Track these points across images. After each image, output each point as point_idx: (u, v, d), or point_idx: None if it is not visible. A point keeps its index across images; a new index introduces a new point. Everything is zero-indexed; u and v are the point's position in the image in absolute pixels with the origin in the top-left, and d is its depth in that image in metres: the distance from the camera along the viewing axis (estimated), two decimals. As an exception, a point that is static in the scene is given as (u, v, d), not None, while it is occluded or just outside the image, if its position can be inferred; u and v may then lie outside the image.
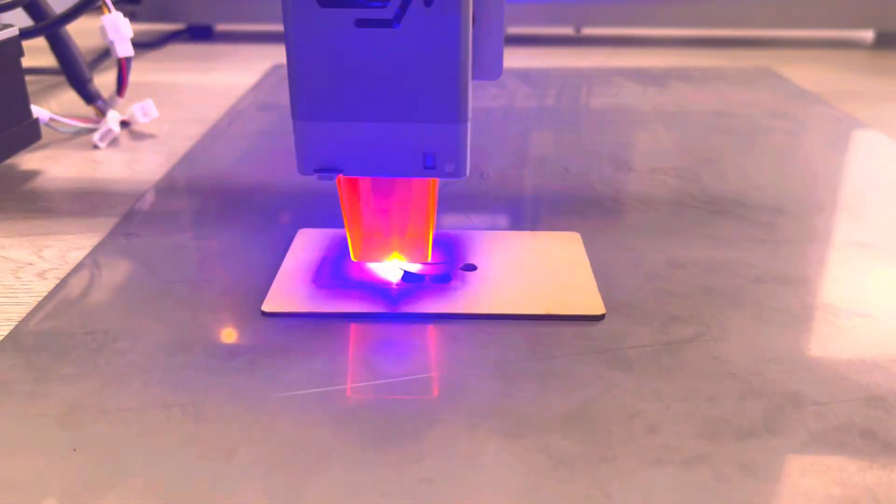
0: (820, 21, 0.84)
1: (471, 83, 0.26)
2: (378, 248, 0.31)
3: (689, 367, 0.26)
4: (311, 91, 0.26)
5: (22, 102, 0.43)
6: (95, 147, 0.50)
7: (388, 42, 0.25)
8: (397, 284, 0.30)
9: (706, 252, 0.34)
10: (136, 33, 0.52)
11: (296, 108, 0.26)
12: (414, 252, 0.30)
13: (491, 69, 0.28)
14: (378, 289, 0.30)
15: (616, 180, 0.43)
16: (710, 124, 0.54)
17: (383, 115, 0.26)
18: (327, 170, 0.27)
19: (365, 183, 0.29)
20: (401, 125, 0.26)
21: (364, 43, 0.25)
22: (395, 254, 0.31)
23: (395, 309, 0.29)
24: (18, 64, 0.43)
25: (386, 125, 0.26)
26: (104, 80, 0.59)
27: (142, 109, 0.52)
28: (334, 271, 0.31)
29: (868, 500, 0.20)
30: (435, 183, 0.29)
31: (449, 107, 0.26)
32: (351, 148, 0.27)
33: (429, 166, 0.27)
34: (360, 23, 0.25)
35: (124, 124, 0.53)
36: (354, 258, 0.30)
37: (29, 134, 0.44)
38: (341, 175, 0.27)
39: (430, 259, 0.31)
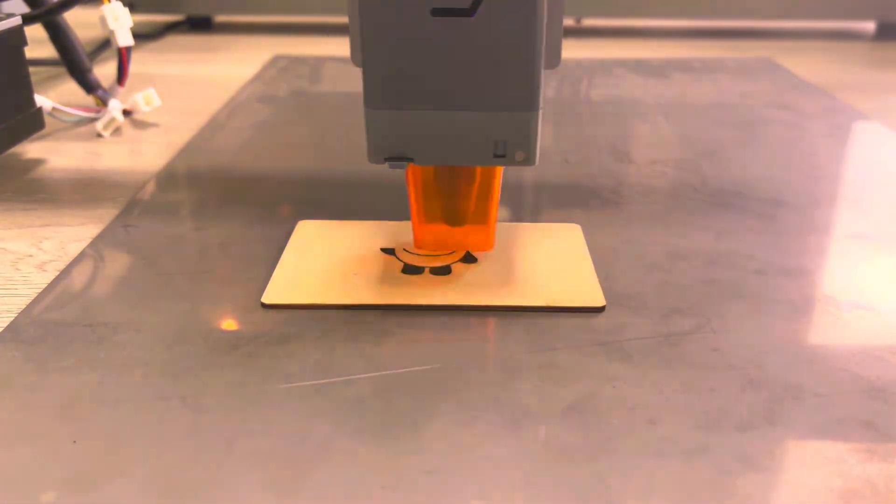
0: (821, 12, 0.84)
1: (543, 71, 0.26)
2: (441, 237, 0.31)
3: (690, 358, 0.26)
4: (384, 78, 0.26)
5: (25, 91, 0.43)
6: (99, 136, 0.50)
7: (464, 31, 0.25)
8: (401, 269, 0.30)
9: (707, 244, 0.34)
10: (134, 24, 0.52)
11: (368, 95, 0.26)
12: (477, 241, 0.30)
13: (551, 58, 0.28)
14: (378, 280, 0.30)
15: (617, 172, 0.43)
16: (711, 116, 0.54)
17: (456, 103, 0.26)
18: (397, 158, 0.27)
19: (428, 172, 0.29)
20: (473, 113, 0.26)
21: (439, 32, 0.25)
22: (457, 241, 0.31)
23: (395, 301, 0.29)
24: (22, 53, 0.43)
25: (459, 113, 0.26)
26: (104, 71, 0.59)
27: (144, 98, 0.52)
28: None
29: (868, 491, 0.20)
30: (500, 171, 0.29)
31: (523, 95, 0.26)
32: (421, 136, 0.27)
33: (499, 155, 0.27)
34: (437, 12, 0.25)
35: (126, 113, 0.53)
36: (416, 247, 0.31)
37: (32, 123, 0.44)
38: (412, 163, 0.27)
39: (492, 248, 0.31)
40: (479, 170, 0.29)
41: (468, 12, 0.25)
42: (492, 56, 0.25)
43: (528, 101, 0.26)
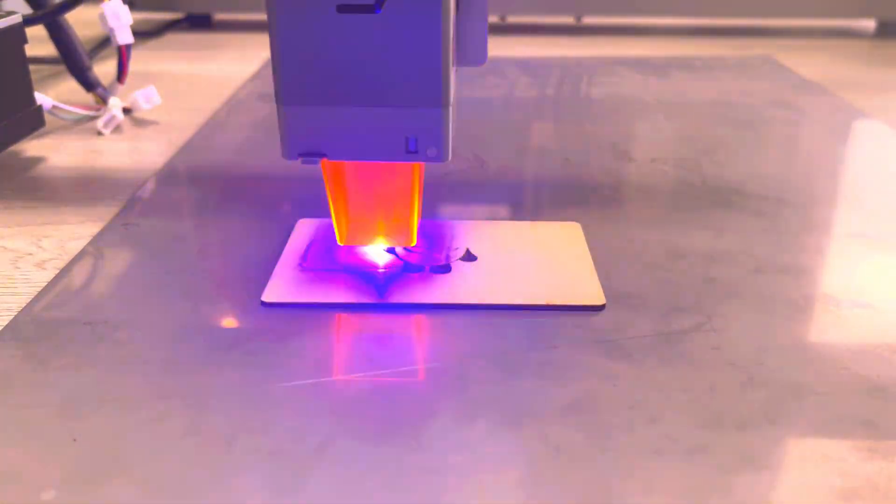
0: (822, 10, 0.84)
1: (453, 68, 0.26)
2: (364, 232, 0.31)
3: (690, 357, 0.26)
4: (295, 76, 0.26)
5: (25, 89, 0.43)
6: (99, 134, 0.50)
7: (370, 27, 0.25)
8: (385, 270, 0.30)
9: (707, 242, 0.34)
10: (134, 22, 0.52)
11: (280, 93, 0.26)
12: (399, 236, 0.30)
13: (475, 55, 0.28)
14: (378, 279, 0.30)
15: (617, 170, 0.43)
16: (712, 114, 0.54)
17: (366, 99, 0.26)
18: (311, 154, 0.27)
19: (350, 167, 0.29)
20: (383, 109, 0.26)
21: (346, 28, 0.25)
22: (381, 238, 0.31)
23: (395, 299, 0.29)
24: (22, 51, 0.43)
25: (369, 109, 0.26)
26: (103, 70, 0.59)
27: (144, 96, 0.52)
28: (323, 256, 0.31)
29: (868, 490, 0.20)
30: (420, 167, 0.29)
31: (430, 91, 0.26)
32: (335, 132, 0.27)
33: (411, 150, 0.27)
34: (342, 8, 0.25)
35: (126, 111, 0.53)
36: (341, 242, 0.30)
37: (32, 121, 0.44)
38: (325, 159, 0.27)
39: (414, 244, 0.31)
40: (397, 165, 0.29)
41: (373, 8, 0.25)
42: (398, 52, 0.25)
43: (435, 97, 0.26)
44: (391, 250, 0.32)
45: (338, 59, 0.26)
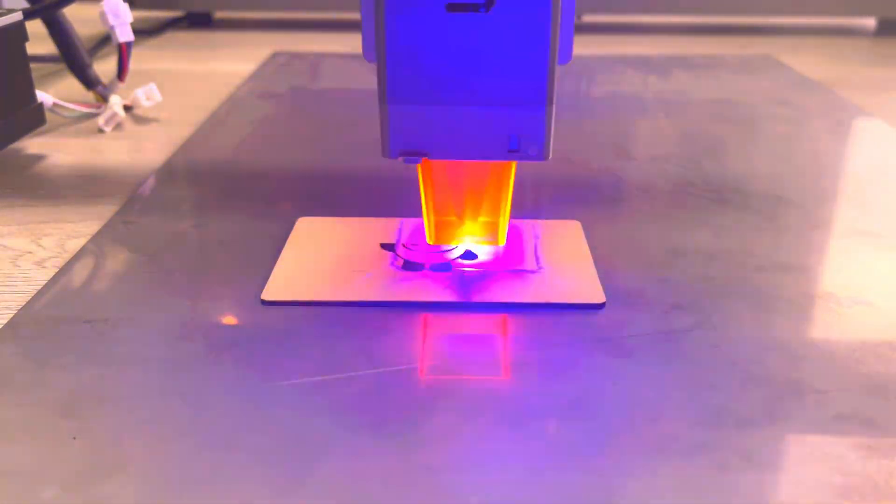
0: (822, 8, 0.84)
1: (557, 66, 0.26)
2: (453, 232, 0.31)
3: (690, 355, 0.26)
4: (400, 75, 0.26)
5: (26, 87, 0.43)
6: (100, 131, 0.50)
7: (479, 26, 0.25)
8: (401, 266, 0.30)
9: (707, 240, 0.34)
10: (134, 21, 0.52)
11: (384, 92, 0.26)
12: (488, 235, 0.31)
13: (562, 53, 0.28)
14: (377, 277, 0.30)
15: (617, 168, 0.43)
16: (712, 112, 0.54)
17: (471, 98, 0.26)
18: (413, 153, 0.27)
19: (442, 166, 0.29)
20: (488, 109, 0.26)
21: (454, 27, 0.25)
22: (470, 236, 0.31)
23: (394, 297, 0.29)
24: (22, 48, 0.43)
25: (473, 109, 0.27)
26: (103, 68, 0.59)
27: (145, 93, 0.52)
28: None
29: (869, 488, 0.20)
30: (513, 167, 0.29)
31: (536, 90, 0.26)
32: (437, 131, 0.27)
33: (513, 149, 0.27)
34: (452, 7, 0.25)
35: (127, 109, 0.53)
36: (430, 241, 0.31)
37: (33, 118, 0.44)
38: (426, 158, 0.27)
39: (503, 243, 0.31)
40: (491, 164, 0.29)
41: (483, 7, 0.25)
42: (506, 51, 0.26)
43: (540, 96, 0.26)
44: (390, 248, 0.32)
45: (444, 58, 0.26)
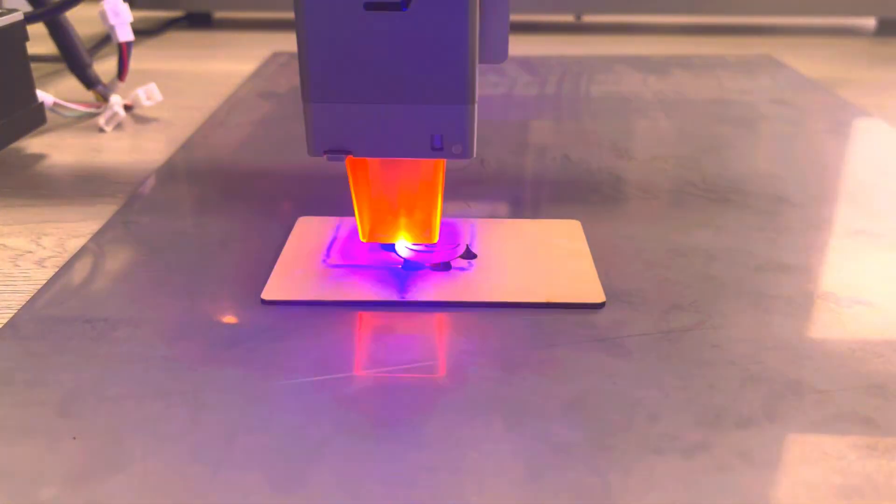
0: (821, 8, 0.84)
1: (478, 66, 0.26)
2: (386, 229, 0.31)
3: (690, 355, 0.26)
4: (322, 73, 0.26)
5: (27, 86, 0.43)
6: (101, 130, 0.50)
7: (397, 25, 0.25)
8: (405, 267, 0.30)
9: (707, 240, 0.34)
10: (134, 20, 0.52)
11: (307, 90, 0.26)
12: (421, 233, 0.30)
13: (497, 53, 0.28)
14: (378, 276, 0.30)
15: (617, 168, 0.43)
16: (711, 112, 0.54)
17: (392, 96, 0.26)
18: (337, 151, 0.27)
19: (373, 164, 0.29)
20: (409, 107, 0.27)
21: (373, 26, 0.25)
22: (403, 234, 0.31)
23: (394, 297, 0.29)
24: (23, 48, 0.43)
25: (395, 107, 0.27)
26: (103, 68, 0.59)
27: (145, 93, 0.52)
28: (344, 252, 0.32)
29: (868, 488, 0.20)
30: (442, 164, 0.29)
31: (456, 88, 0.26)
32: (360, 129, 0.27)
33: (436, 147, 0.27)
34: (370, 6, 0.25)
35: (127, 108, 0.53)
36: (363, 238, 0.30)
37: (34, 118, 0.44)
38: (351, 156, 0.27)
39: (436, 241, 0.31)
40: (421, 161, 0.29)
41: (400, 6, 0.25)
42: (425, 50, 0.26)
43: (461, 94, 0.26)
44: (390, 248, 0.32)
45: (364, 57, 0.26)
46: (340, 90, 0.26)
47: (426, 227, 0.30)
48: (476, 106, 0.27)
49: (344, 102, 0.27)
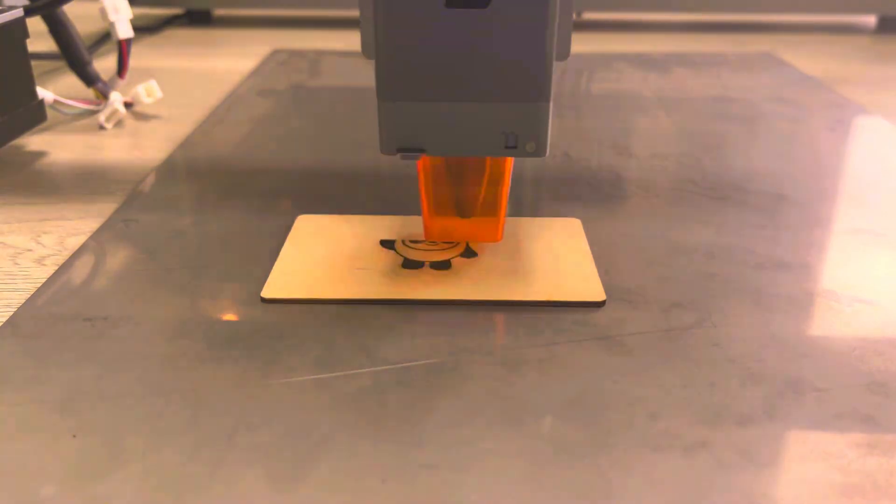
0: (822, 6, 0.84)
1: (554, 63, 0.26)
2: (451, 228, 0.31)
3: (690, 353, 0.26)
4: (397, 71, 0.26)
5: (27, 84, 0.43)
6: (101, 128, 0.50)
7: (476, 22, 0.25)
8: (401, 264, 0.30)
9: (707, 238, 0.34)
10: (133, 17, 0.52)
11: (381, 88, 0.26)
12: (486, 232, 0.31)
13: (560, 49, 0.28)
14: (378, 275, 0.30)
15: (617, 166, 0.43)
16: (712, 110, 0.54)
17: (469, 94, 0.26)
18: (410, 149, 0.27)
19: (440, 163, 0.29)
20: (485, 105, 0.26)
21: (453, 23, 0.25)
22: (467, 232, 0.31)
23: (394, 295, 0.28)
24: (23, 45, 0.43)
25: (471, 105, 0.26)
26: (103, 65, 0.59)
27: (146, 90, 0.52)
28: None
29: (869, 486, 0.20)
30: (510, 163, 0.29)
31: (534, 86, 0.26)
32: (435, 127, 0.27)
33: (510, 146, 0.27)
34: (451, 2, 0.25)
35: (127, 105, 0.53)
36: (427, 237, 0.31)
37: (34, 115, 0.44)
38: (424, 154, 0.27)
39: (500, 240, 0.31)
40: (489, 160, 0.29)
41: (482, 3, 0.25)
42: (504, 47, 0.26)
43: (538, 92, 0.26)
44: (390, 246, 0.32)
45: (442, 54, 0.26)
46: (415, 88, 0.26)
47: (492, 227, 0.30)
48: (552, 104, 0.27)
49: (418, 100, 0.26)
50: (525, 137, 0.27)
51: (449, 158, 0.29)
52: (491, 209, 0.30)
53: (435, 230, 0.31)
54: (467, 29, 0.25)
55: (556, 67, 0.26)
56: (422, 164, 0.29)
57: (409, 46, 0.26)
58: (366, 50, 0.27)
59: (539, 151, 0.27)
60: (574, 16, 0.90)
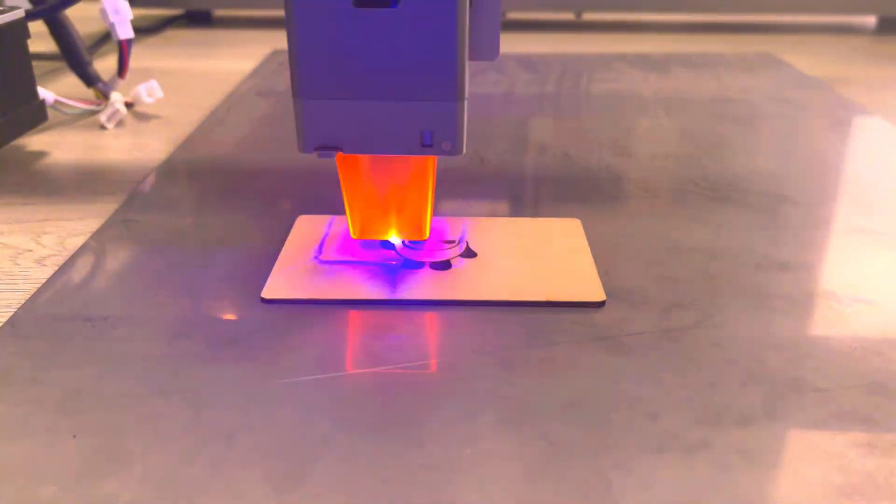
0: (822, 6, 0.84)
1: (467, 63, 0.26)
2: (377, 226, 0.31)
3: (690, 353, 0.26)
4: (312, 69, 0.26)
5: (28, 84, 0.43)
6: (102, 128, 0.50)
7: (387, 21, 0.25)
8: (397, 264, 0.30)
9: (707, 238, 0.34)
10: (133, 18, 0.52)
11: (297, 87, 0.27)
12: (412, 230, 0.31)
13: (488, 50, 0.28)
14: (377, 275, 0.30)
15: (617, 166, 0.43)
16: (712, 110, 0.54)
17: (382, 93, 0.26)
18: (327, 147, 0.27)
19: (364, 160, 0.29)
20: (399, 103, 0.27)
21: (364, 22, 0.25)
22: (393, 231, 0.31)
23: (394, 295, 0.28)
24: (24, 45, 0.43)
25: (385, 103, 0.27)
26: (103, 66, 0.59)
27: (146, 90, 0.52)
28: (338, 248, 0.32)
29: (869, 486, 0.20)
30: (433, 161, 0.29)
31: (446, 85, 0.26)
32: (350, 125, 0.27)
33: (426, 144, 0.27)
34: (359, 2, 0.25)
35: (128, 105, 0.53)
36: (354, 235, 0.30)
37: (35, 115, 0.44)
38: (341, 152, 0.27)
39: (427, 237, 0.31)
40: (412, 158, 0.29)
41: (389, 2, 0.25)
42: (415, 46, 0.26)
43: (450, 91, 0.26)
44: (389, 245, 0.32)
45: (354, 53, 0.26)
46: (330, 86, 0.26)
47: (417, 224, 0.30)
48: (466, 103, 0.27)
49: (333, 99, 0.27)
50: (441, 136, 0.27)
51: (370, 156, 0.29)
52: (416, 206, 0.30)
53: (359, 228, 0.31)
54: (379, 28, 0.26)
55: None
56: (341, 161, 0.29)
57: (321, 45, 0.26)
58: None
59: (454, 150, 0.27)
60: (574, 16, 0.90)
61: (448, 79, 0.26)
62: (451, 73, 0.26)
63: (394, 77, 0.26)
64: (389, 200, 0.30)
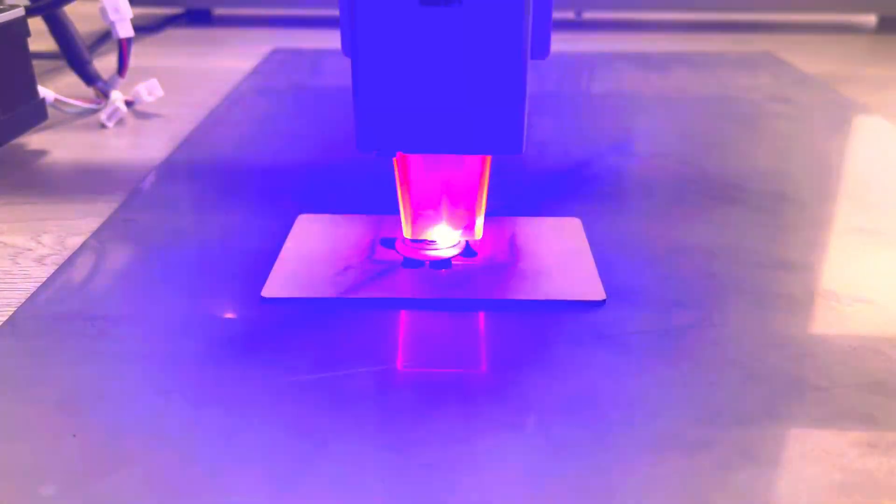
0: (822, 5, 0.84)
1: (529, 61, 0.26)
2: (430, 225, 0.31)
3: (690, 352, 0.26)
4: (373, 69, 0.26)
5: (28, 82, 0.43)
6: (103, 126, 0.50)
7: (452, 20, 0.25)
8: (401, 263, 0.30)
9: (708, 237, 0.34)
10: (133, 17, 0.52)
11: (357, 86, 0.26)
12: (465, 230, 0.31)
13: (539, 49, 0.28)
14: (378, 274, 0.30)
15: (617, 165, 0.43)
16: (712, 109, 0.54)
17: (444, 92, 0.26)
18: (385, 147, 0.27)
19: (417, 160, 0.29)
20: (461, 102, 0.26)
21: (428, 21, 0.25)
22: (446, 229, 0.31)
23: (394, 294, 0.28)
24: (24, 44, 0.43)
25: (446, 102, 0.26)
26: (103, 65, 0.59)
27: (147, 89, 0.52)
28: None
29: (869, 485, 0.20)
30: (488, 160, 0.29)
31: (510, 84, 0.26)
32: (410, 125, 0.27)
33: (487, 143, 0.27)
34: (426, 1, 0.25)
35: (128, 104, 0.53)
36: (407, 235, 0.30)
37: (35, 114, 0.44)
38: (399, 152, 0.27)
39: (479, 237, 0.31)
40: (467, 158, 0.29)
41: (456, 1, 0.25)
42: (479, 45, 0.26)
43: (514, 90, 0.26)
44: (390, 244, 0.32)
45: (417, 52, 0.26)
46: (391, 86, 0.26)
47: (471, 224, 0.30)
48: (527, 101, 0.27)
49: (394, 98, 0.26)
50: (502, 135, 0.27)
51: (428, 155, 0.29)
52: (470, 206, 0.30)
53: (414, 228, 0.31)
54: (442, 27, 0.25)
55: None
56: (398, 161, 0.29)
57: (384, 45, 0.26)
58: (344, 48, 0.28)
59: (516, 149, 0.27)
60: (574, 15, 0.90)
61: (513, 77, 0.26)
62: (517, 71, 0.26)
63: (457, 76, 0.26)
64: (443, 201, 0.30)
